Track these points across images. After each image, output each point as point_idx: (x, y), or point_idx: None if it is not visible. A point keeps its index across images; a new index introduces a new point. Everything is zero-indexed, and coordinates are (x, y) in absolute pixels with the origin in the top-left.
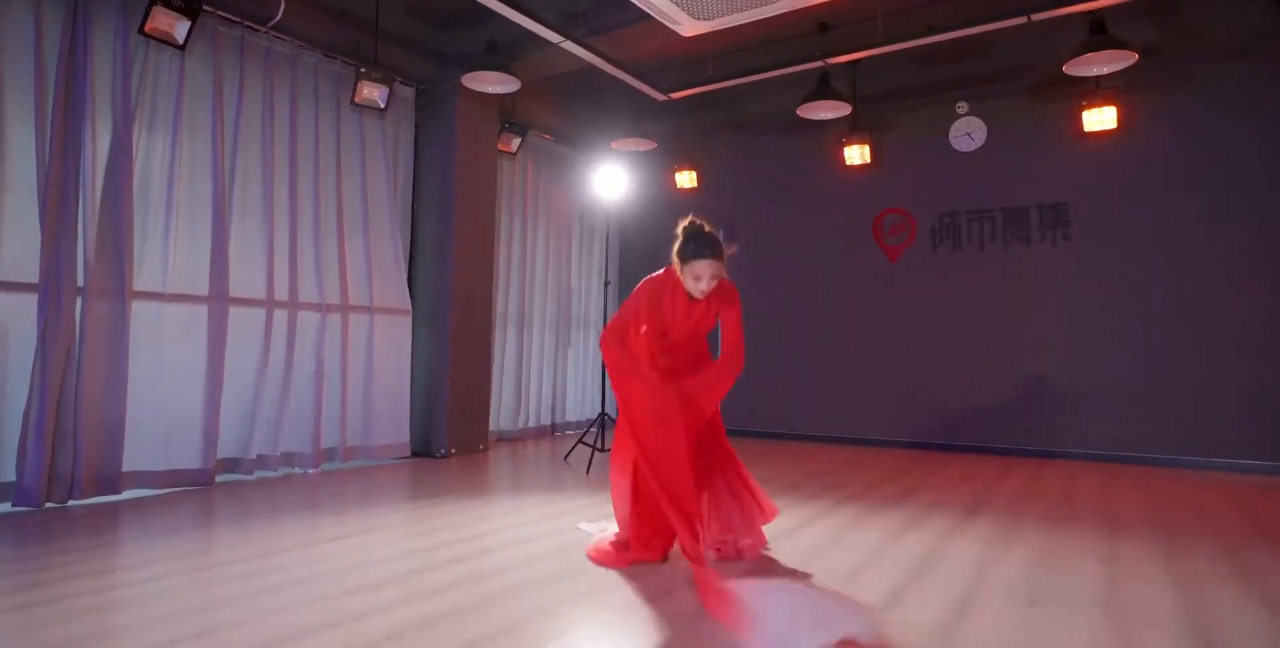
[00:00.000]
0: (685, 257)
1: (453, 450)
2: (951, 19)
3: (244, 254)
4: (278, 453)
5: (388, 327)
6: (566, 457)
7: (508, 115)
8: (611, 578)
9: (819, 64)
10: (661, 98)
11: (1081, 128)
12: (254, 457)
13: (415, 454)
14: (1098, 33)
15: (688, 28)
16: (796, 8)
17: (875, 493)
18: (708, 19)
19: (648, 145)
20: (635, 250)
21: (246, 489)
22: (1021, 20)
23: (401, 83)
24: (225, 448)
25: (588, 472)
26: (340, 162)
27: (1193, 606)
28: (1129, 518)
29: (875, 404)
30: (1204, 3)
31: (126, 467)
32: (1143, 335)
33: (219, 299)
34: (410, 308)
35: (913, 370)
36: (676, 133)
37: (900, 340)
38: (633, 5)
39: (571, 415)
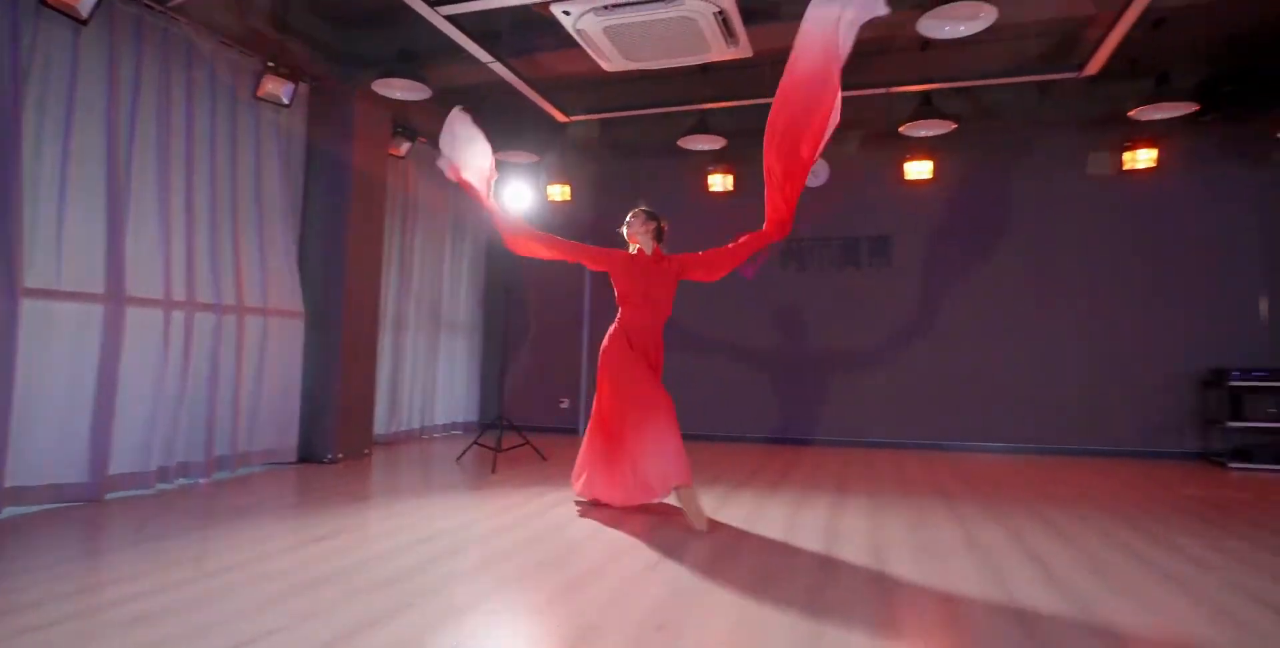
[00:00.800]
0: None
1: (340, 455)
2: None
3: (141, 251)
4: (174, 463)
5: (280, 329)
6: (459, 458)
7: (400, 120)
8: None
9: (701, 107)
10: (564, 119)
11: (904, 175)
12: (153, 468)
13: (302, 459)
14: (926, 104)
15: (613, 65)
16: (711, 60)
17: (758, 479)
18: (638, 61)
19: (530, 159)
20: (504, 257)
21: (144, 505)
22: (881, 91)
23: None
24: (120, 461)
25: (493, 470)
26: (236, 156)
27: (1023, 542)
28: (954, 489)
29: (731, 404)
30: (1002, 89)
31: (8, 481)
32: (951, 346)
33: (115, 298)
34: (302, 310)
35: (765, 374)
36: (554, 148)
37: (755, 347)
38: (560, 31)
39: (440, 418)
